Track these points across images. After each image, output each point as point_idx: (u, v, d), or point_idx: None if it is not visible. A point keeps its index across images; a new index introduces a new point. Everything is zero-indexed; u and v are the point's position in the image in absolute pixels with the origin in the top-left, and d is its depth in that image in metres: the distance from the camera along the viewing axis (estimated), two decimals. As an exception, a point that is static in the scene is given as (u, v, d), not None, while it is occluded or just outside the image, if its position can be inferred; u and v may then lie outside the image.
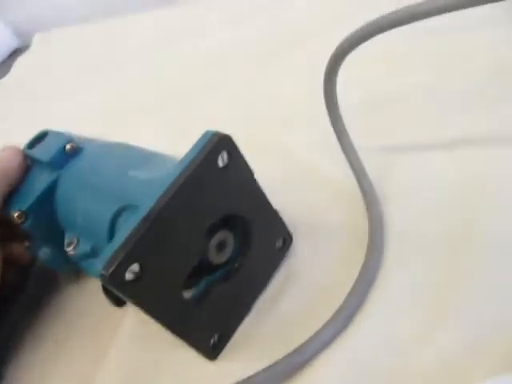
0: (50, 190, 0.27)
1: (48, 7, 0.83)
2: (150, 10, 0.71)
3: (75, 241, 0.25)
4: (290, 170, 0.34)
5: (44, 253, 0.28)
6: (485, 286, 0.23)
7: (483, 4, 0.18)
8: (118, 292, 0.19)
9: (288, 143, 0.36)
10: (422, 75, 0.37)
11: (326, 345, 0.23)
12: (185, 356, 0.25)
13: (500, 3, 0.18)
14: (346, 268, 0.26)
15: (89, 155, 0.27)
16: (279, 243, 0.27)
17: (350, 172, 0.30)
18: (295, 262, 0.28)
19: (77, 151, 0.27)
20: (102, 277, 0.18)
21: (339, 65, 0.25)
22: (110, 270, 0.18)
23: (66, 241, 0.26)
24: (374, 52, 0.30)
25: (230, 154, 0.21)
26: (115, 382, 0.25)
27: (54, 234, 0.27)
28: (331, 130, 0.30)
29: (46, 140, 0.28)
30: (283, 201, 0.27)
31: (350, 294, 0.24)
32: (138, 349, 0.27)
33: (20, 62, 0.73)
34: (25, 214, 0.26)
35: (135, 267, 0.19)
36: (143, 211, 0.19)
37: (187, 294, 0.23)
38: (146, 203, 0.20)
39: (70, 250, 0.25)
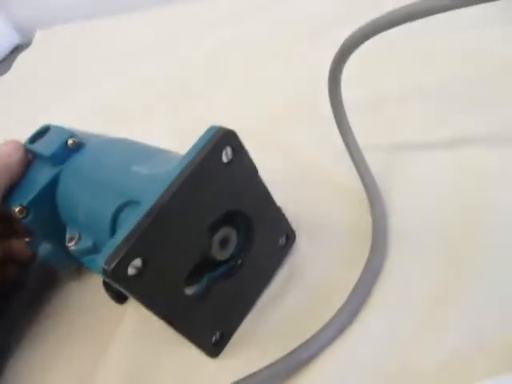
0: (52, 185, 0.26)
1: (49, 4, 0.83)
2: (150, 8, 0.71)
3: (77, 236, 0.25)
4: (293, 168, 0.34)
5: (44, 249, 0.28)
6: (486, 285, 0.23)
7: (482, 3, 0.18)
8: (120, 287, 0.19)
9: (290, 141, 0.36)
10: (424, 75, 0.37)
11: (329, 342, 0.23)
12: (186, 353, 0.25)
13: (497, 2, 0.18)
14: (349, 266, 0.26)
15: (91, 150, 0.27)
16: (282, 240, 0.27)
17: (353, 170, 0.30)
18: (298, 259, 0.28)
19: (79, 146, 0.27)
20: (104, 271, 0.18)
21: (344, 62, 0.25)
22: (113, 265, 0.18)
23: (68, 236, 0.26)
24: (375, 51, 0.30)
25: (234, 150, 0.21)
26: (116, 378, 0.25)
27: (55, 229, 0.27)
28: (334, 128, 0.29)
29: (48, 135, 0.28)
30: (286, 198, 0.26)
31: (354, 291, 0.24)
32: (139, 345, 0.26)
33: (21, 58, 0.73)
34: (26, 209, 0.26)
35: (137, 262, 0.19)
36: (146, 206, 0.19)
37: (189, 291, 0.23)
38: (149, 198, 0.19)
39: (71, 245, 0.25)
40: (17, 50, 0.80)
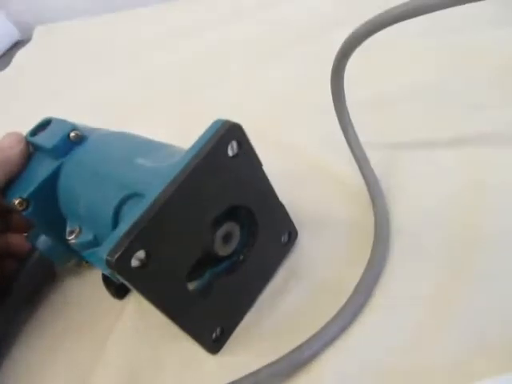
0: (53, 178, 0.26)
1: (49, 0, 0.82)
2: (151, 5, 0.71)
3: (77, 229, 0.25)
4: (295, 166, 0.34)
5: (44, 242, 0.28)
6: (486, 285, 0.23)
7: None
8: (122, 279, 0.18)
9: (291, 140, 0.36)
10: (426, 74, 0.37)
11: (331, 341, 0.23)
12: (185, 349, 0.24)
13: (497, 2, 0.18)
14: (351, 264, 0.26)
15: (94, 143, 0.26)
16: (284, 238, 0.27)
17: (354, 168, 0.30)
18: (300, 257, 0.27)
19: (81, 139, 0.27)
20: (107, 262, 0.18)
21: (347, 59, 0.25)
22: (117, 256, 0.17)
23: (68, 229, 0.25)
24: (376, 51, 0.30)
25: (239, 143, 0.21)
26: (115, 374, 0.25)
27: (55, 222, 0.26)
28: (334, 126, 0.29)
29: (50, 127, 0.27)
30: (288, 196, 0.26)
31: (356, 290, 0.24)
32: (138, 341, 0.26)
33: (21, 54, 0.72)
34: (26, 201, 0.26)
35: (141, 254, 0.18)
36: (151, 199, 0.19)
37: (191, 286, 0.23)
38: (154, 191, 0.19)
39: (71, 238, 0.25)
40: (16, 45, 0.79)
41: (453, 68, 0.37)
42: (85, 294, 0.30)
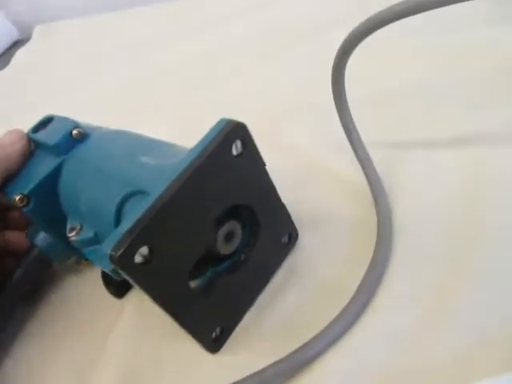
0: (54, 175, 0.26)
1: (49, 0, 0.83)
2: (151, 4, 0.71)
3: (78, 227, 0.25)
4: (297, 166, 0.34)
5: (43, 240, 0.28)
6: (487, 285, 0.23)
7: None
8: (125, 275, 0.18)
9: (292, 140, 0.36)
10: (426, 73, 0.37)
11: (333, 341, 0.23)
12: (185, 348, 0.24)
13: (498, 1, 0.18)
14: (352, 264, 0.26)
15: (96, 141, 0.26)
16: (285, 238, 0.27)
17: (356, 167, 0.30)
18: (301, 257, 0.27)
19: (83, 137, 0.27)
20: (111, 257, 0.18)
21: (348, 57, 0.25)
22: (120, 251, 0.17)
23: (69, 226, 0.25)
24: (377, 50, 0.30)
25: (244, 143, 0.21)
26: (115, 373, 0.25)
27: (56, 219, 0.26)
28: (335, 126, 0.29)
29: (52, 124, 0.27)
30: (290, 196, 0.26)
31: (359, 290, 0.24)
32: (138, 341, 0.26)
33: (20, 53, 0.72)
34: (27, 198, 0.26)
35: (144, 250, 0.18)
36: (155, 195, 0.19)
37: (193, 284, 0.23)
38: (158, 188, 0.19)
39: (72, 235, 0.25)
40: (16, 45, 0.79)
41: (453, 67, 0.37)
42: (85, 292, 0.30)
